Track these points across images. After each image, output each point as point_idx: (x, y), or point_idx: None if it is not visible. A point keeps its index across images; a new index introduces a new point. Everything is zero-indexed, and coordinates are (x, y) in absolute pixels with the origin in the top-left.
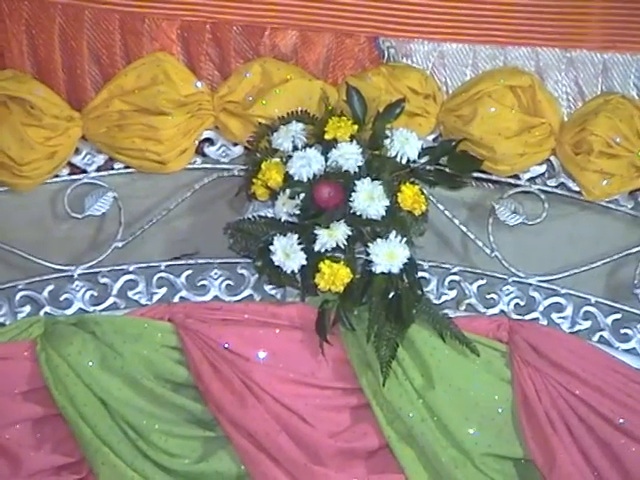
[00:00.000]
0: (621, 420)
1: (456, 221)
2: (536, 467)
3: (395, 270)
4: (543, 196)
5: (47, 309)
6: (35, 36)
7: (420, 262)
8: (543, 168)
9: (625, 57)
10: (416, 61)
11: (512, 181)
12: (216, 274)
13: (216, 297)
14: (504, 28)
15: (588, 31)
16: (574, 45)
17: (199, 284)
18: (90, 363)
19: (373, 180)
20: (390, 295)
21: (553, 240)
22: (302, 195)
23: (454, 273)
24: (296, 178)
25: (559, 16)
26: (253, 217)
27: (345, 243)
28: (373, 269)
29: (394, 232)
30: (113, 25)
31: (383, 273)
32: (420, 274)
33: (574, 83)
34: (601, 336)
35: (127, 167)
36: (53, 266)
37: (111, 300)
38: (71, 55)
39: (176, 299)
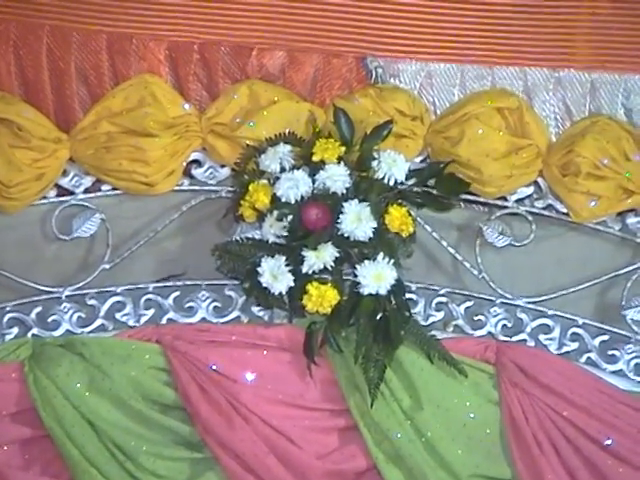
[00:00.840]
0: (608, 441)
1: (444, 243)
2: None
3: (383, 292)
4: (530, 218)
5: (35, 331)
6: (23, 57)
7: (408, 284)
8: (531, 190)
9: (613, 77)
10: (404, 81)
11: (500, 203)
12: (204, 296)
13: (204, 319)
14: (492, 48)
15: (576, 51)
16: (562, 65)
17: (187, 306)
18: (78, 385)
19: (360, 202)
20: (378, 317)
21: (541, 261)
22: (290, 217)
23: (442, 295)
24: (283, 200)
25: (547, 36)
26: (241, 239)
27: (332, 265)
28: (361, 291)
29: (382, 254)
30: (101, 45)
31: (371, 295)
32: (408, 295)
33: (562, 103)
34: (588, 357)
35: (115, 189)
36: (41, 287)
37: (99, 322)
38: (59, 76)
39: (164, 321)
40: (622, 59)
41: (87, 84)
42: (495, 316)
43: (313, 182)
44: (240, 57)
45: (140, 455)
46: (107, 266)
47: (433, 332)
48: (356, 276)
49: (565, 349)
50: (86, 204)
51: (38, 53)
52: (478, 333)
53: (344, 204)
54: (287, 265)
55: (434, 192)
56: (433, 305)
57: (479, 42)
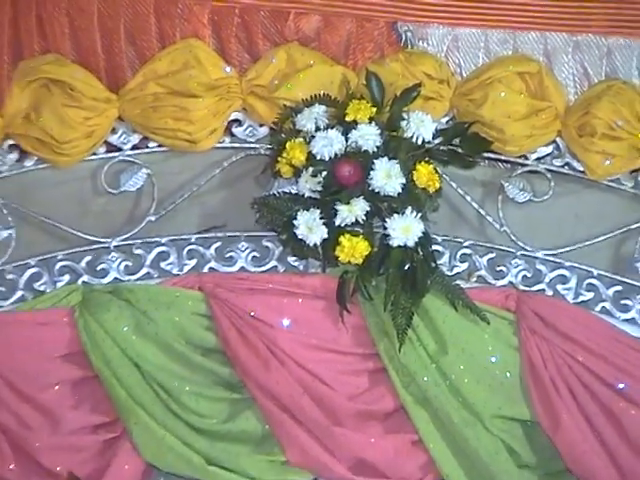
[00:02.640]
0: (621, 385)
1: (468, 198)
2: (541, 429)
3: (411, 243)
4: (549, 175)
5: (85, 278)
6: (75, 21)
7: (434, 236)
8: (549, 149)
9: (628, 41)
10: (432, 44)
11: (520, 161)
12: (243, 246)
13: (243, 268)
14: (514, 14)
15: (593, 17)
16: (580, 30)
17: (227, 255)
18: (125, 329)
19: (390, 159)
20: (406, 267)
21: (559, 216)
22: (324, 173)
23: (466, 247)
24: (318, 157)
25: (566, 2)
26: (278, 193)
27: (364, 218)
28: (390, 242)
29: (410, 208)
30: (148, 9)
31: (399, 246)
32: (434, 247)
33: (580, 65)
34: (603, 307)
35: (160, 146)
36: (91, 238)
37: (145, 270)
38: (109, 37)
39: (205, 269)
40: (637, 24)
41: (135, 45)
42: (516, 267)
43: (346, 140)
44: (278, 20)
45: (183, 395)
46: (153, 218)
47: (457, 282)
48: (386, 229)
49: (581, 298)
50: (133, 160)
51: (90, 16)
52: (500, 283)
53: (375, 161)
54: (321, 218)
55: (459, 150)
56: (458, 256)
57: (502, 8)
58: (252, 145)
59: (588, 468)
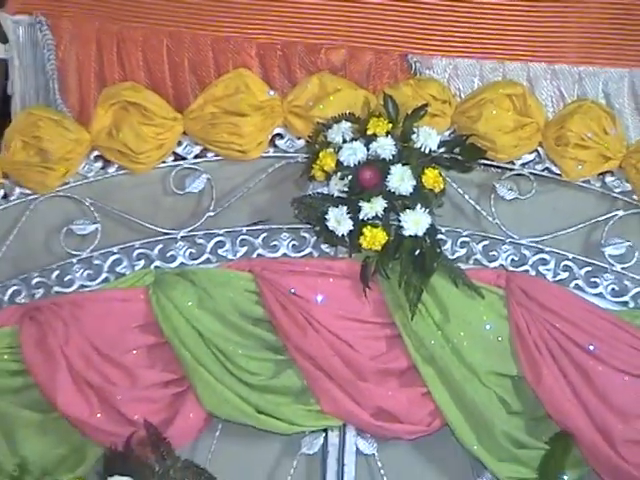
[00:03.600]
0: (591, 347)
1: (466, 196)
2: (526, 382)
3: (420, 233)
4: (532, 177)
5: (157, 263)
6: (148, 55)
7: (439, 227)
8: (532, 156)
9: (595, 69)
10: (436, 72)
11: (509, 166)
12: (285, 236)
13: (285, 254)
14: (503, 47)
15: (567, 50)
16: (556, 61)
17: (272, 244)
18: (189, 303)
19: (403, 165)
20: (416, 252)
21: (540, 211)
22: (350, 177)
23: (465, 235)
24: (345, 164)
25: (545, 38)
26: (313, 194)
27: (382, 213)
28: (403, 233)
29: (419, 205)
30: (207, 46)
31: (411, 236)
32: (439, 236)
33: (557, 89)
34: (576, 284)
35: (217, 155)
36: (162, 230)
37: (205, 256)
38: (175, 68)
39: (254, 255)
40: (602, 56)
41: (196, 74)
42: (505, 252)
43: (367, 150)
44: (312, 54)
45: (236, 357)
46: (212, 214)
47: (458, 264)
48: (400, 222)
49: (558, 277)
50: (195, 167)
51: (160, 52)
52: (492, 265)
53: (391, 167)
54: (348, 213)
55: (459, 158)
56: (458, 243)
57: (493, 43)
58: (291, 154)
59: (564, 413)
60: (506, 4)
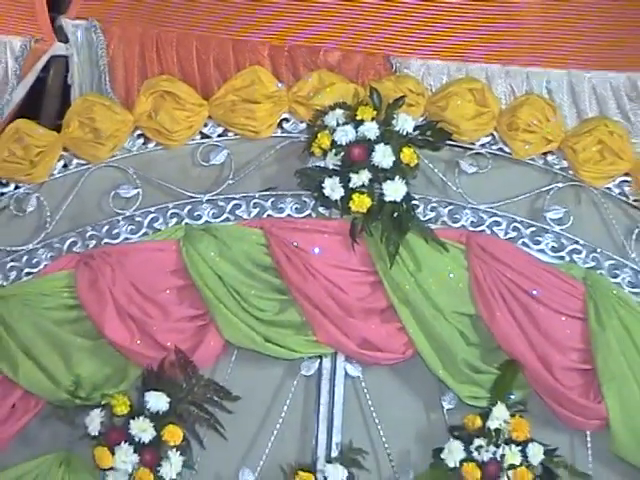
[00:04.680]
0: (535, 292)
1: (436, 170)
2: (482, 320)
3: (398, 199)
4: (489, 155)
5: (186, 221)
6: (181, 55)
7: (413, 195)
8: (489, 138)
9: (540, 70)
10: (412, 70)
11: (470, 146)
12: (289, 200)
13: (289, 215)
14: (466, 51)
15: (517, 54)
16: (509, 63)
17: (279, 206)
18: (212, 254)
19: (385, 145)
20: (395, 215)
21: (495, 182)
22: (342, 153)
23: (434, 202)
24: (338, 143)
25: (500, 45)
26: (312, 166)
27: (368, 183)
28: (385, 199)
29: (398, 176)
30: (228, 46)
31: (390, 201)
32: (413, 202)
33: (509, 85)
34: (523, 241)
35: (235, 135)
36: (190, 194)
37: (225, 216)
38: (202, 64)
39: (264, 215)
40: (546, 58)
41: (219, 70)
42: (466, 216)
43: (356, 132)
44: (313, 55)
45: (249, 297)
46: (231, 182)
47: (428, 224)
48: (382, 190)
49: (509, 236)
50: (218, 144)
51: (190, 51)
52: (456, 225)
53: (375, 146)
54: (340, 182)
55: (430, 139)
56: (428, 208)
57: (458, 48)
58: (295, 135)
59: (512, 345)
60: (469, 17)
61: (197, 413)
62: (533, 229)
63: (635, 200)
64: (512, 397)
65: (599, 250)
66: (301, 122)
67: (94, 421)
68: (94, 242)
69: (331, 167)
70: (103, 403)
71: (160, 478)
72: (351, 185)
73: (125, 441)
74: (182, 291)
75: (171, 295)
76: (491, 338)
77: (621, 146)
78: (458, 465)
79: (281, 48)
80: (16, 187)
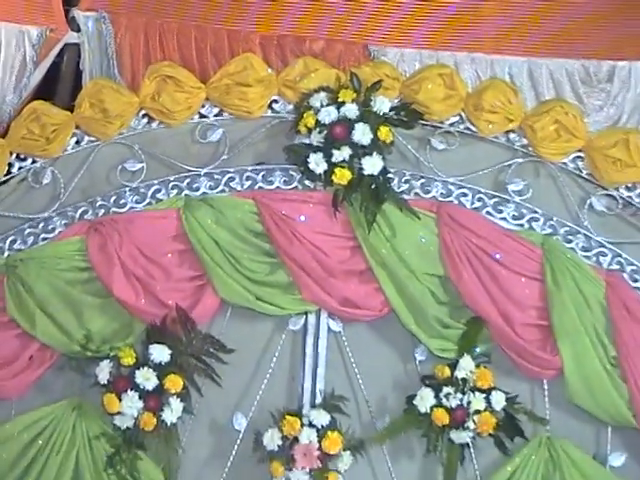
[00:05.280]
0: (498, 256)
1: (409, 147)
2: (451, 281)
3: (375, 173)
4: (457, 133)
5: (186, 192)
6: (180, 41)
7: (389, 169)
8: (457, 118)
9: (503, 57)
10: (389, 58)
11: (440, 125)
12: (278, 174)
13: (278, 187)
14: (435, 41)
15: (482, 43)
16: (475, 50)
17: (269, 179)
18: (209, 221)
19: (364, 124)
20: (372, 186)
21: (462, 158)
22: (325, 131)
23: (407, 175)
24: (322, 122)
25: (466, 34)
26: (299, 143)
27: (348, 158)
28: (363, 172)
29: (375, 152)
30: (223, 36)
31: (369, 175)
32: (389, 175)
33: (475, 71)
34: (487, 210)
35: (230, 115)
36: (189, 168)
37: (220, 187)
38: (200, 52)
39: (256, 187)
40: (508, 47)
41: (216, 56)
42: (436, 187)
43: (338, 112)
44: (299, 43)
45: (242, 259)
46: (225, 157)
47: (403, 195)
48: (361, 164)
49: (474, 205)
50: (214, 123)
51: (189, 40)
52: (427, 196)
53: (355, 125)
54: (323, 158)
55: (404, 119)
56: (403, 181)
57: (428, 37)
58: (284, 115)
59: (477, 303)
60: (439, 10)
61: (195, 364)
62: (496, 199)
63: (588, 174)
64: (477, 350)
65: (555, 218)
66: (289, 103)
67: (103, 371)
68: (103, 211)
69: (315, 144)
70: (111, 355)
71: (162, 422)
72: (333, 160)
73: (131, 389)
74: (182, 254)
75: (172, 258)
76: (458, 297)
77: (575, 125)
78: (429, 410)
79: (271, 37)
80: (33, 161)
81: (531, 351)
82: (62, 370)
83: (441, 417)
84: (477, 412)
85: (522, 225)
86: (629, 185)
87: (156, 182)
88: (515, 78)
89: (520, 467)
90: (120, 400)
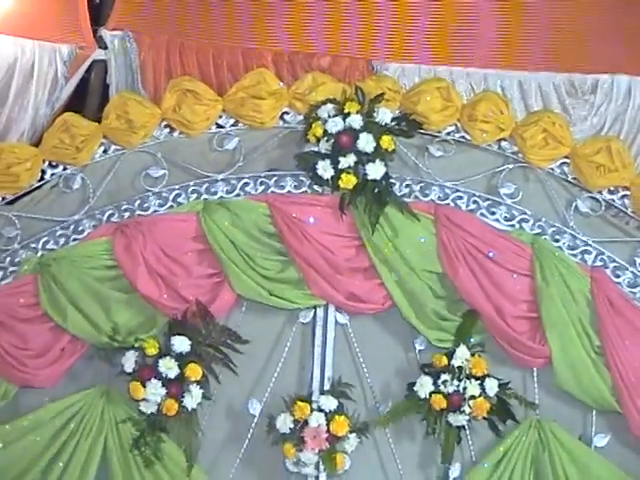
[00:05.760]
0: (491, 254)
1: (409, 154)
2: (448, 277)
3: (378, 177)
4: (453, 142)
5: (204, 196)
6: (199, 60)
7: (391, 174)
8: (453, 127)
9: (495, 72)
10: (390, 72)
11: (437, 134)
12: (289, 179)
13: (289, 191)
14: (433, 57)
15: (476, 58)
16: (469, 65)
17: (280, 184)
18: (226, 223)
19: (368, 133)
20: (375, 190)
21: (458, 164)
22: (332, 140)
23: (408, 180)
24: (329, 132)
25: (461, 50)
26: (308, 151)
27: (353, 164)
28: (367, 177)
29: (378, 159)
30: (238, 53)
31: (372, 180)
32: (391, 180)
33: (469, 84)
34: (481, 212)
35: (245, 125)
36: (208, 174)
37: (236, 192)
38: (217, 67)
39: (269, 192)
40: (499, 62)
41: (232, 72)
42: (434, 191)
43: (344, 123)
44: (309, 59)
45: (257, 258)
46: (241, 164)
47: (403, 198)
48: (365, 170)
49: (469, 208)
50: (230, 133)
51: (207, 56)
52: (426, 199)
53: (360, 134)
54: (331, 164)
55: (404, 128)
56: (403, 185)
57: (428, 54)
58: (294, 125)
59: (472, 298)
60: (437, 30)
61: (214, 354)
62: (489, 202)
63: (573, 178)
64: (472, 340)
65: (543, 219)
66: (299, 114)
67: (129, 360)
68: (128, 214)
69: (323, 152)
70: (136, 346)
71: (183, 407)
72: (340, 166)
73: (155, 377)
74: (201, 254)
75: (192, 257)
76: (455, 292)
77: (562, 134)
78: (428, 396)
79: (282, 54)
80: (64, 168)
81: (522, 341)
82: (91, 360)
83: (439, 402)
84: (472, 397)
85: (513, 225)
86: (611, 188)
87: (177, 187)
88: (506, 91)
89: (512, 448)
90: (145, 387)
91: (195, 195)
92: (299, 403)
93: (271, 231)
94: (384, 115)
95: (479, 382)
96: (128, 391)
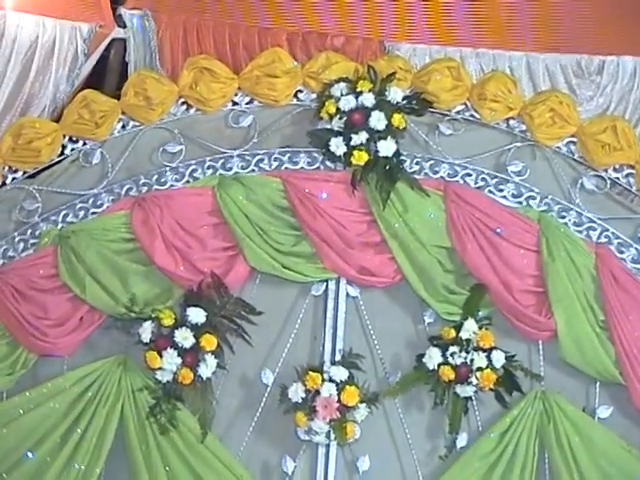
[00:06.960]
0: (498, 230)
1: (420, 132)
2: (456, 252)
3: (389, 154)
4: (462, 120)
5: (220, 171)
6: (215, 38)
7: (402, 151)
8: (463, 106)
9: (504, 52)
10: (402, 52)
11: (447, 112)
12: (303, 156)
13: (302, 167)
14: (444, 37)
15: (485, 39)
16: (478, 46)
17: (294, 160)
18: (240, 197)
19: (380, 111)
20: (387, 167)
21: (467, 142)
22: (345, 118)
23: (418, 157)
24: (342, 110)
25: (472, 30)
26: (321, 128)
27: (365, 141)
28: (379, 154)
29: (389, 137)
30: (254, 33)
31: (384, 156)
32: (401, 157)
33: (479, 65)
34: (489, 189)
35: (260, 102)
36: (223, 150)
37: (251, 168)
38: (233, 47)
39: (283, 168)
40: (508, 43)
41: (247, 50)
42: (444, 168)
43: (356, 101)
44: (322, 39)
45: (270, 232)
46: (255, 140)
47: (414, 175)
48: (377, 147)
49: (478, 185)
50: (246, 110)
51: (223, 36)
52: (435, 176)
53: (371, 112)
54: (343, 141)
55: (415, 107)
56: (414, 162)
57: (436, 33)
58: (308, 103)
59: (480, 272)
60: (448, 11)
61: (228, 325)
62: (497, 179)
63: (579, 156)
64: (480, 313)
65: (550, 197)
66: (312, 93)
67: (146, 330)
68: (146, 188)
69: (336, 129)
70: (153, 316)
71: (198, 376)
72: (352, 143)
73: (171, 347)
74: (216, 227)
75: (208, 230)
76: (463, 266)
77: (569, 113)
78: (436, 367)
79: (296, 34)
80: (84, 144)
81: (528, 315)
82: (109, 330)
83: (447, 373)
84: (479, 369)
85: (520, 202)
86: (616, 167)
87: (193, 162)
88: (515, 71)
89: (517, 418)
90: (161, 357)
91: (211, 170)
92: (311, 373)
93: (284, 206)
94: (395, 94)
95: (486, 354)
96: (145, 360)
